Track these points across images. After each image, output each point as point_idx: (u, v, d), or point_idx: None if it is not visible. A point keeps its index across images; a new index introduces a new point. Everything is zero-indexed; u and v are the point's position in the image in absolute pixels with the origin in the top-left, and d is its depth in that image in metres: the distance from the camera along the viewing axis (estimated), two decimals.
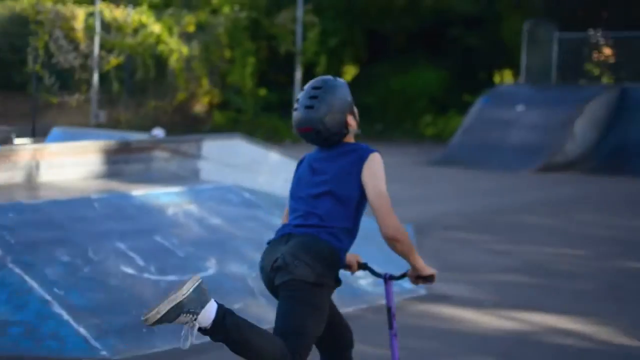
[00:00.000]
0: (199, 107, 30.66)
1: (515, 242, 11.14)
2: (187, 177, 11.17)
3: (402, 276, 4.35)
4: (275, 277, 4.11)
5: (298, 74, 30.62)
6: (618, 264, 9.80)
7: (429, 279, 4.31)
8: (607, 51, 26.03)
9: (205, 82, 29.73)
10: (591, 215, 13.69)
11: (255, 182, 11.79)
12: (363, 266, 4.49)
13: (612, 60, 25.64)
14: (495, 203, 14.62)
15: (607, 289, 8.54)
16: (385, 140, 29.26)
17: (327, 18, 31.28)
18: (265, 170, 12.47)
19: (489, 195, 15.86)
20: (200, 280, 3.79)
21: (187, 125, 28.10)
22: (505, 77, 33.44)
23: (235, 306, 7.07)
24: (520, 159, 20.21)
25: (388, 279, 4.38)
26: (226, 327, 3.82)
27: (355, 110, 4.37)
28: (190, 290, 3.73)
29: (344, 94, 4.29)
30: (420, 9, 31.42)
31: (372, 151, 4.24)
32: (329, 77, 4.36)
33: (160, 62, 28.66)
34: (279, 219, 9.25)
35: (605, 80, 25.80)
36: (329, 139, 4.28)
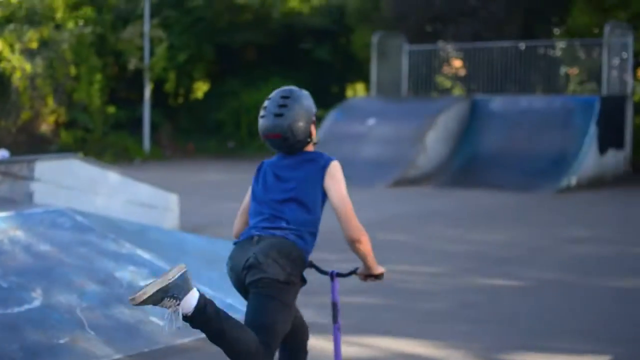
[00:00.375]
0: (45, 126, 29.44)
1: None
2: (18, 201, 10.34)
3: (350, 273, 4.73)
4: (246, 275, 4.35)
5: (147, 91, 29.82)
6: (472, 280, 9.47)
7: (379, 277, 4.70)
8: (457, 63, 26.17)
9: (51, 101, 28.60)
10: (445, 230, 13.41)
11: (92, 204, 11.07)
12: (309, 264, 4.64)
13: (462, 72, 25.79)
14: None
15: (460, 308, 8.17)
16: (237, 157, 28.73)
17: (174, 33, 30.57)
18: (104, 192, 11.73)
19: None
20: (185, 269, 4.05)
21: (32, 145, 26.94)
22: (357, 91, 33.37)
23: (62, 341, 6.40)
24: (373, 174, 19.94)
25: (335, 276, 4.68)
26: (206, 315, 4.07)
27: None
28: (176, 276, 3.99)
29: (310, 105, 4.57)
30: (269, 23, 31.02)
31: (332, 159, 4.52)
32: (295, 87, 4.61)
33: (3, 80, 27.44)
34: (113, 243, 8.60)
35: (456, 92, 25.94)
36: (294, 146, 4.54)
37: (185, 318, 4.07)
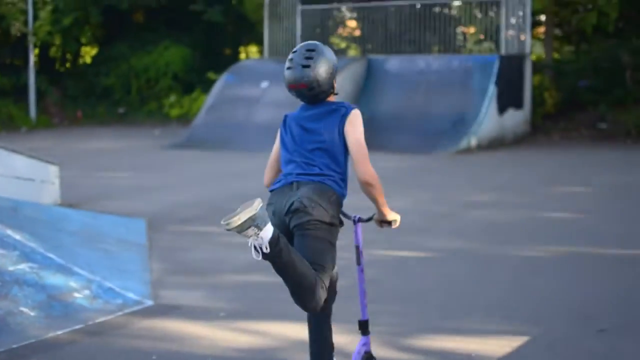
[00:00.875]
0: None
1: None
2: None
3: (369, 219, 4.91)
4: (291, 219, 4.54)
5: (32, 57, 28.43)
6: (372, 253, 8.83)
7: (392, 223, 4.92)
8: (352, 23, 25.56)
9: None
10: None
11: None
12: None
13: (357, 32, 25.17)
14: (240, 188, 13.35)
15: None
16: (128, 124, 27.68)
17: None
18: None
19: (235, 179, 14.65)
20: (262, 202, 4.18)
21: None
22: (250, 53, 32.51)
23: None
24: (267, 139, 19.18)
25: (357, 221, 4.90)
26: (279, 246, 4.26)
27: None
28: (259, 207, 4.15)
29: (332, 57, 4.77)
30: None
31: (353, 107, 4.76)
32: (317, 42, 4.79)
33: None
34: None
35: (351, 53, 25.32)
36: (318, 96, 4.74)
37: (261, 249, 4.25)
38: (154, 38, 30.36)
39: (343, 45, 25.16)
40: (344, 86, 20.55)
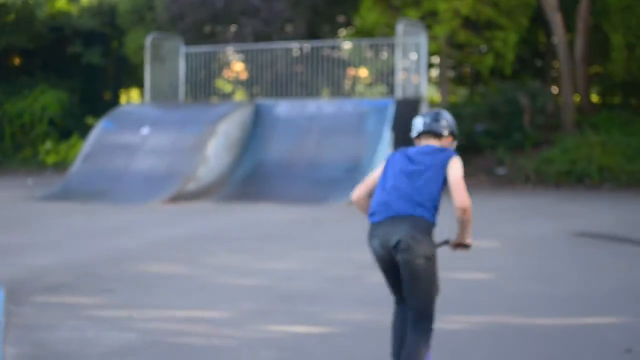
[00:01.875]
0: None
1: (137, 304, 8.51)
2: None
3: (442, 244, 5.82)
4: (398, 253, 5.56)
5: None
6: (266, 329, 7.52)
7: (467, 246, 5.87)
8: (238, 66, 24.33)
9: None
10: (229, 257, 11.36)
11: None
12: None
13: (244, 75, 23.94)
14: (116, 249, 11.87)
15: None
16: (1, 172, 25.89)
17: None
18: None
19: (110, 237, 13.12)
20: None
21: None
22: (132, 97, 30.99)
23: None
24: (148, 189, 17.75)
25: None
26: None
27: None
28: None
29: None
30: (34, 25, 28.14)
31: (455, 153, 5.68)
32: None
33: None
34: None
35: (238, 96, 24.08)
36: (435, 128, 5.83)
37: None
38: (30, 82, 28.71)
39: (229, 88, 23.87)
40: (230, 132, 19.28)
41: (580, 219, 14.87)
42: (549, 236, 13.03)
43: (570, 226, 13.95)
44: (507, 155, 21.36)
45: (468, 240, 5.80)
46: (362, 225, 14.21)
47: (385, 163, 5.73)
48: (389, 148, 18.51)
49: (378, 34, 22.35)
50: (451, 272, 10.17)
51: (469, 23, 22.30)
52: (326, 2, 24.50)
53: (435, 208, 5.57)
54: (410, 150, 5.68)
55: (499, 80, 23.63)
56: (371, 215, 5.67)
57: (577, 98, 23.26)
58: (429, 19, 21.65)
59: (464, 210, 5.49)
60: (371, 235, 5.67)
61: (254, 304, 8.53)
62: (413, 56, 19.94)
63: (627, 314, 8.00)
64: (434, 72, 25.68)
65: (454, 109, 22.57)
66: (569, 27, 23.73)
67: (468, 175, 20.99)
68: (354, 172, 18.13)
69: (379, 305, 8.46)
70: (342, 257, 11.28)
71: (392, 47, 20.42)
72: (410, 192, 5.52)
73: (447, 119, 5.80)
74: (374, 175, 5.79)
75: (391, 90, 20.95)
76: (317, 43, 21.33)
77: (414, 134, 5.81)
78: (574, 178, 19.87)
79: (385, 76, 21.58)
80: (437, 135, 5.75)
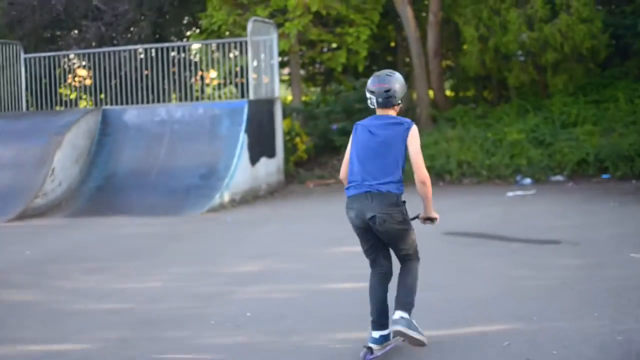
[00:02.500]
0: None
1: None
2: None
3: (414, 218, 6.72)
4: (373, 224, 6.52)
5: None
6: None
7: (434, 220, 6.82)
8: (82, 72, 23.27)
9: None
10: (84, 280, 10.52)
11: None
12: None
13: (88, 81, 22.88)
14: None
15: None
16: None
17: None
18: None
19: None
20: None
21: None
22: None
23: None
24: None
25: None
26: None
27: None
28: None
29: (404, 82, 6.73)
30: None
31: (413, 123, 6.59)
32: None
33: None
34: None
35: (83, 104, 23.01)
36: (390, 102, 6.57)
37: None
38: None
39: (73, 95, 22.77)
40: (76, 141, 18.28)
41: (447, 217, 14.59)
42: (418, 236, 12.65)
43: (438, 225, 13.64)
44: None
45: (434, 214, 6.77)
46: (221, 234, 13.62)
47: (353, 138, 6.62)
48: (246, 152, 17.91)
49: (227, 33, 21.70)
50: (328, 282, 9.69)
51: (320, 19, 21.92)
52: (172, 3, 23.70)
53: (400, 179, 6.47)
54: (370, 124, 6.57)
55: (352, 77, 23.32)
56: (347, 189, 6.61)
57: (431, 93, 23.16)
58: (279, 16, 21.13)
59: (423, 184, 6.50)
60: (348, 208, 6.59)
61: (116, 332, 7.81)
62: (264, 55, 19.39)
63: (516, 320, 7.65)
64: (286, 71, 25.20)
65: (307, 108, 22.15)
66: (420, 20, 23.65)
67: (325, 176, 20.67)
68: (210, 178, 17.46)
69: (253, 325, 7.89)
70: (208, 272, 10.64)
71: (242, 47, 19.83)
72: (378, 171, 6.43)
73: (397, 86, 6.57)
74: (347, 154, 6.69)
75: (242, 91, 20.37)
76: (163, 45, 20.48)
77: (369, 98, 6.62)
78: (434, 174, 19.69)
79: (236, 77, 20.98)
80: (391, 106, 6.60)
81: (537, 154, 19.54)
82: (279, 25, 20.58)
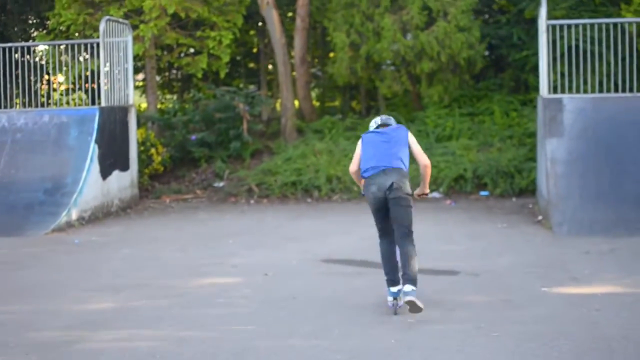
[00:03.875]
0: None
1: None
2: None
3: (411, 194, 8.46)
4: (390, 192, 8.25)
5: None
6: None
7: (426, 194, 8.85)
8: None
9: None
10: None
11: None
12: None
13: None
14: None
15: None
16: None
17: None
18: None
19: None
20: None
21: None
22: None
23: None
24: None
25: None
26: None
27: None
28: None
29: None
30: None
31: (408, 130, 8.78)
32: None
33: None
34: None
35: None
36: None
37: None
38: None
39: None
40: None
41: (321, 240, 13.20)
42: (294, 265, 11.18)
43: (313, 249, 12.23)
44: (226, 167, 19.49)
45: (427, 190, 8.76)
46: (69, 261, 11.78)
47: (362, 143, 8.58)
48: (96, 164, 16.06)
49: (77, 35, 19.75)
50: (197, 327, 8.08)
51: (179, 22, 20.24)
52: (16, 0, 21.57)
53: (407, 164, 8.42)
54: (377, 132, 8.60)
55: (212, 84, 21.66)
56: (365, 172, 8.41)
57: (296, 102, 21.73)
58: (135, 18, 19.32)
59: (426, 166, 8.50)
60: (369, 184, 8.34)
61: None
62: (118, 59, 17.56)
63: None
64: (140, 77, 23.34)
65: (164, 117, 20.39)
66: (286, 26, 22.23)
67: (184, 191, 18.99)
68: (55, 194, 15.49)
69: None
70: (48, 311, 8.84)
71: (93, 49, 17.97)
72: (391, 154, 8.36)
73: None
74: (357, 154, 8.62)
75: (93, 97, 18.49)
76: (6, 45, 18.35)
77: (372, 126, 8.75)
78: (301, 190, 18.28)
79: (86, 82, 19.09)
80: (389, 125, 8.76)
81: (412, 169, 18.35)
82: (134, 28, 18.78)
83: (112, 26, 17.30)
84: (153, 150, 19.16)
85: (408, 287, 8.06)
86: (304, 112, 21.59)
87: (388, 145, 8.40)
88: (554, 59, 16.00)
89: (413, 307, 7.98)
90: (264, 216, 16.10)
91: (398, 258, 8.40)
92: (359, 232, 13.60)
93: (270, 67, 24.15)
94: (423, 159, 8.48)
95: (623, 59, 16.10)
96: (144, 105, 22.42)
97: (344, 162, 18.68)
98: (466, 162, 18.30)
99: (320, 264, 11.14)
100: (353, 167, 8.66)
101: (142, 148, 18.75)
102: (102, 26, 16.84)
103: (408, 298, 7.99)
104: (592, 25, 16.26)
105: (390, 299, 8.53)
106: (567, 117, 14.90)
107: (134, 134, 17.81)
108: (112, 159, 16.77)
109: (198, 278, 10.42)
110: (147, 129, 20.02)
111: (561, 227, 13.38)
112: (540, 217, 14.73)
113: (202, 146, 19.86)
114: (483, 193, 17.97)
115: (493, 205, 16.73)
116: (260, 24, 23.40)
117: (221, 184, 19.20)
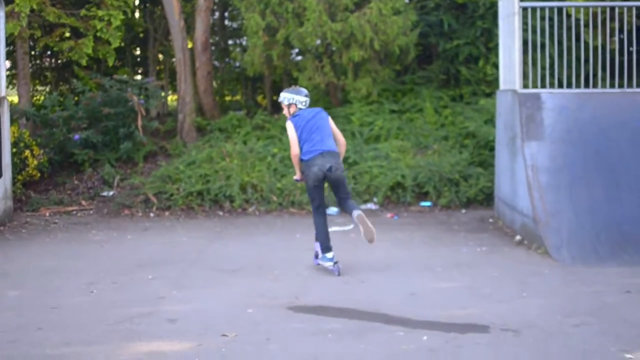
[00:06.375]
0: None
1: None
2: None
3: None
4: (330, 171, 9.77)
5: None
6: None
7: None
8: None
9: None
10: None
11: None
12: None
13: None
14: None
15: None
16: None
17: None
18: None
19: None
20: None
21: None
22: None
23: None
24: None
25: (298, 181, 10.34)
26: None
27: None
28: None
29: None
30: None
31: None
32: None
33: None
34: None
35: None
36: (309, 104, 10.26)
37: None
38: None
39: None
40: None
41: (268, 272, 10.29)
42: (253, 317, 8.22)
43: (265, 288, 9.31)
44: (115, 173, 16.30)
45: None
46: None
47: (296, 125, 9.94)
48: None
49: None
50: None
51: None
52: None
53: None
54: (306, 115, 10.04)
55: (96, 74, 18.31)
56: (307, 153, 9.86)
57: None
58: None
59: (344, 145, 10.29)
60: (312, 165, 9.80)
61: None
62: None
63: None
64: (7, 64, 19.76)
65: (41, 112, 17.00)
66: (185, 6, 19.12)
67: (66, 201, 15.71)
68: None
69: None
70: None
71: None
72: (325, 137, 9.92)
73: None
74: (294, 136, 9.92)
75: None
76: None
77: (289, 102, 10.17)
78: (209, 201, 15.26)
79: None
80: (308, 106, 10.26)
81: None
82: (6, 2, 15.38)
83: None
84: (27, 153, 15.74)
85: (357, 210, 9.77)
86: (204, 108, 18.48)
87: (321, 129, 9.93)
88: (525, 48, 13.43)
89: (365, 228, 9.62)
90: (174, 236, 13.04)
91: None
92: (304, 259, 10.79)
93: (160, 55, 20.95)
94: (342, 138, 10.26)
95: (612, 50, 13.63)
96: (12, 98, 18.84)
97: (259, 166, 15.79)
98: (403, 168, 15.67)
99: (290, 314, 8.22)
100: (296, 149, 9.91)
101: (14, 150, 15.34)
102: None
103: (358, 212, 9.71)
104: (577, 8, 13.77)
105: (330, 264, 9.95)
106: (548, 116, 12.41)
107: (7, 133, 14.39)
108: None
109: (127, 342, 7.34)
110: (19, 127, 16.60)
111: (560, 252, 10.85)
112: (519, 237, 12.16)
113: (86, 147, 16.60)
114: (424, 204, 15.38)
115: (445, 220, 14.14)
116: (148, 4, 20.23)
117: (111, 192, 15.98)
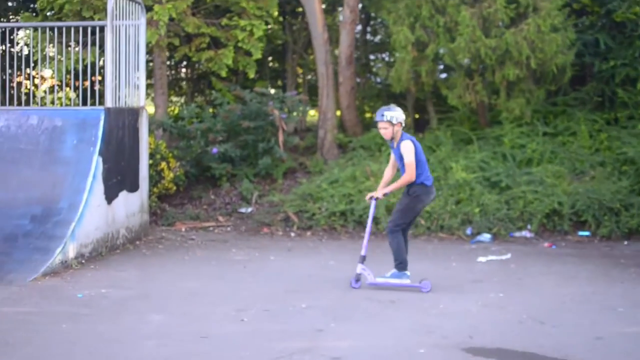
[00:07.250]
0: None
1: None
2: None
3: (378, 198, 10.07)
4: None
5: None
6: None
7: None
8: None
9: None
10: None
11: None
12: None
13: None
14: None
15: None
16: None
17: None
18: None
19: None
20: None
21: None
22: None
23: None
24: None
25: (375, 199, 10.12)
26: None
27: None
28: None
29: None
30: None
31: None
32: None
33: None
34: None
35: None
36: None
37: None
38: None
39: None
40: None
41: (432, 305, 9.40)
42: (412, 354, 7.34)
43: (436, 325, 8.42)
44: (253, 189, 15.67)
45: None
46: (67, 340, 7.18)
47: (417, 147, 9.76)
48: (100, 183, 12.18)
49: (71, 16, 15.82)
50: None
51: (198, 7, 16.40)
52: None
53: None
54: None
55: (235, 85, 17.70)
56: (429, 179, 9.85)
57: (338, 111, 17.91)
58: None
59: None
60: (430, 192, 9.92)
61: None
62: (127, 48, 13.61)
63: None
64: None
65: (178, 124, 16.50)
66: (328, 18, 18.41)
67: (203, 217, 15.14)
68: (46, 222, 11.53)
69: None
70: None
71: (95, 33, 14.12)
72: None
73: None
74: (413, 158, 9.65)
75: (84, 96, 14.66)
76: None
77: (398, 120, 9.78)
78: (353, 222, 14.49)
79: (81, 77, 15.15)
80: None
81: (492, 200, 14.66)
82: (147, 10, 14.91)
83: (121, 5, 13.41)
84: (164, 165, 15.26)
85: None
86: (346, 124, 17.72)
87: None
88: None
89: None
90: (319, 258, 12.30)
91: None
92: (467, 291, 9.89)
93: (299, 69, 20.32)
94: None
95: None
96: (148, 108, 18.41)
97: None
98: (560, 194, 14.62)
99: (468, 358, 7.32)
100: (414, 175, 9.71)
101: (150, 162, 14.83)
102: (110, 4, 12.95)
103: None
104: None
105: (408, 281, 10.00)
106: None
107: (145, 144, 13.92)
108: (118, 176, 12.89)
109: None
110: (155, 138, 16.12)
111: None
112: None
113: (224, 161, 16.04)
114: (583, 233, 14.32)
115: (608, 252, 13.07)
116: (287, 16, 19.63)
117: (249, 209, 15.38)
